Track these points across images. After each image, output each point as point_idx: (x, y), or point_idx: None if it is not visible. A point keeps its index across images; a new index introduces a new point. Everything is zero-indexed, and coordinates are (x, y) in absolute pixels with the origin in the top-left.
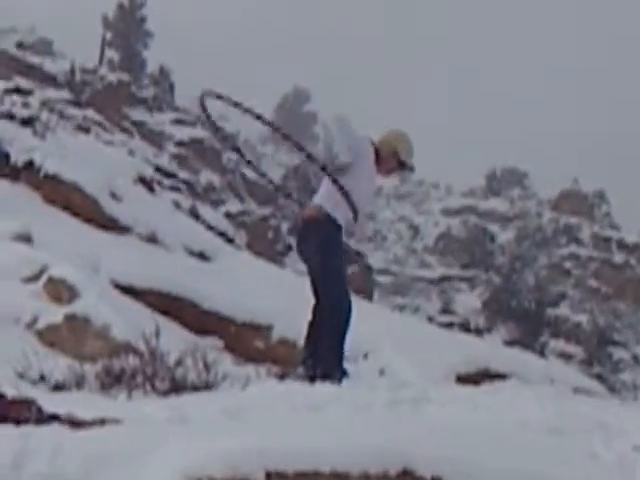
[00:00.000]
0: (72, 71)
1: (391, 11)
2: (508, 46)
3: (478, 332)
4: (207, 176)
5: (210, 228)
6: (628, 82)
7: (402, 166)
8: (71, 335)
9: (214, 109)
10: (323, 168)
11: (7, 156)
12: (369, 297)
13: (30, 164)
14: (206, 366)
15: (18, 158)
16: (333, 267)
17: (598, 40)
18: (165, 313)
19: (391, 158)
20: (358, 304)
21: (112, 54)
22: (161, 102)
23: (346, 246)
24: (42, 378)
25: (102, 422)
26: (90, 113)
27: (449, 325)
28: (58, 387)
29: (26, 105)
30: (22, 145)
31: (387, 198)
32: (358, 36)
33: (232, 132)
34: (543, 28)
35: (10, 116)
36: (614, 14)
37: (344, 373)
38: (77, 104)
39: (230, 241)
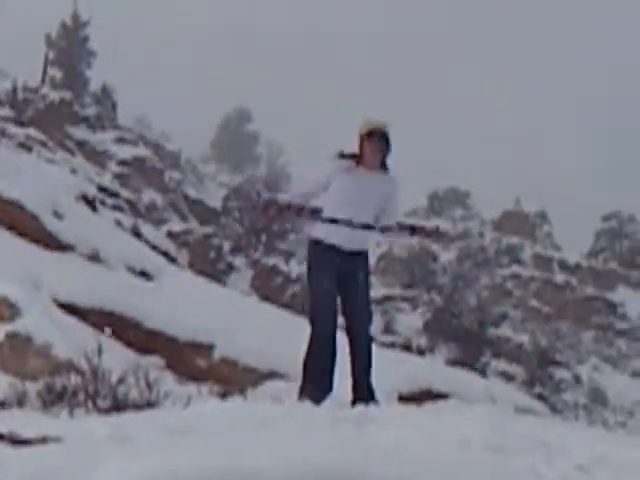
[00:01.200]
0: (14, 89)
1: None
2: (468, 64)
3: (420, 352)
4: (149, 195)
5: (152, 247)
6: (573, 104)
7: (371, 135)
8: (12, 353)
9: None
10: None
11: None
12: None
13: None
14: (148, 384)
15: None
16: (310, 290)
17: (548, 62)
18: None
19: (362, 143)
20: (301, 324)
21: (55, 72)
22: (104, 121)
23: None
24: None
25: (44, 440)
26: (32, 132)
27: (391, 345)
28: None
29: None
30: None
31: None
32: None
33: (174, 150)
34: (525, 43)
35: None
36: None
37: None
38: (19, 122)
39: (172, 260)
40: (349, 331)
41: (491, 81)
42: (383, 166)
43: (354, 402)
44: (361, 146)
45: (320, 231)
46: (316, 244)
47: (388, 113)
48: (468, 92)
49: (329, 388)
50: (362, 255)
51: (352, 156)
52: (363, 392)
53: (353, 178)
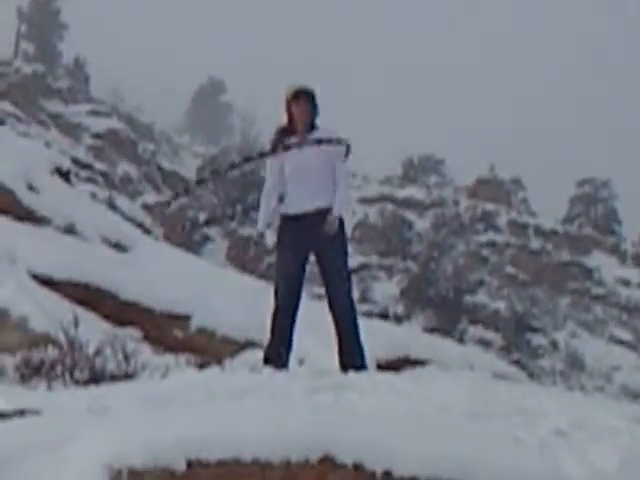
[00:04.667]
0: None
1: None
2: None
3: (397, 320)
4: (123, 167)
5: (128, 219)
6: (545, 78)
7: (297, 97)
8: None
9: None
10: None
11: None
12: None
13: None
14: (125, 356)
15: None
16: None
17: (531, 36)
18: (84, 304)
19: (289, 107)
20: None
21: (27, 46)
22: (76, 93)
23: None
24: None
25: (22, 413)
26: (5, 105)
27: (368, 313)
28: None
29: None
30: None
31: None
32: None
33: (148, 122)
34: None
35: None
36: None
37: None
38: None
39: (147, 232)
40: (327, 296)
41: (482, 49)
42: (313, 127)
43: (343, 368)
44: (289, 110)
45: (284, 206)
46: (282, 219)
47: (355, 79)
48: (450, 60)
49: (287, 355)
50: (323, 215)
51: (283, 130)
52: (350, 357)
53: (290, 158)
